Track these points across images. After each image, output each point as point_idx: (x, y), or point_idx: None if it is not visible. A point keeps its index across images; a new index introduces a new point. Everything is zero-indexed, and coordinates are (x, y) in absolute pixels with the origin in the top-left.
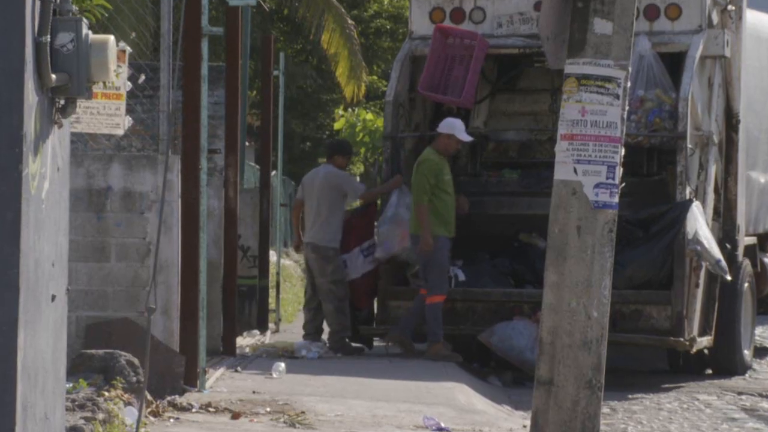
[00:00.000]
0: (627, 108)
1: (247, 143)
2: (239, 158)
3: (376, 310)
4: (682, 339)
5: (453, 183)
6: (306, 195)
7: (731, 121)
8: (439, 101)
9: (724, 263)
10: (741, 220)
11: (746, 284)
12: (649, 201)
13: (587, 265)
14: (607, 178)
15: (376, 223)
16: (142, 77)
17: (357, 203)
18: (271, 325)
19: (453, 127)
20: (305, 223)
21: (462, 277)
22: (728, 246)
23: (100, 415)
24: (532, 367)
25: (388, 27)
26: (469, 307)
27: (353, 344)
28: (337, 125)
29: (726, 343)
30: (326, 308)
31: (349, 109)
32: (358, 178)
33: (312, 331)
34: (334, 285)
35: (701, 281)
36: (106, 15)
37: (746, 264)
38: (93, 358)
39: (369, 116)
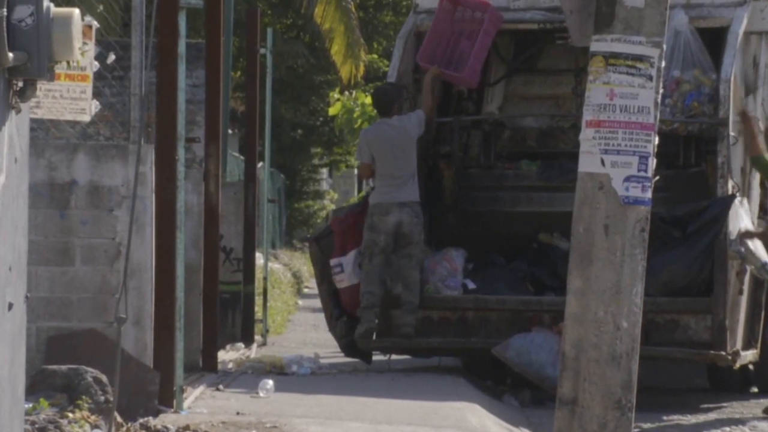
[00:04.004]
0: (661, 91)
1: (230, 131)
2: (221, 148)
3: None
4: (723, 353)
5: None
6: (383, 155)
7: None
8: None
9: None
10: None
11: None
12: (687, 196)
13: (616, 269)
14: (639, 171)
15: None
16: (111, 56)
17: (354, 199)
18: (257, 338)
19: None
20: (381, 182)
21: (472, 285)
22: None
23: None
24: (554, 384)
25: None
26: (482, 316)
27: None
28: (332, 110)
29: None
30: (412, 277)
31: (346, 92)
32: (354, 171)
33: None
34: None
35: (745, 287)
36: None
37: None
38: (55, 374)
39: (368, 100)
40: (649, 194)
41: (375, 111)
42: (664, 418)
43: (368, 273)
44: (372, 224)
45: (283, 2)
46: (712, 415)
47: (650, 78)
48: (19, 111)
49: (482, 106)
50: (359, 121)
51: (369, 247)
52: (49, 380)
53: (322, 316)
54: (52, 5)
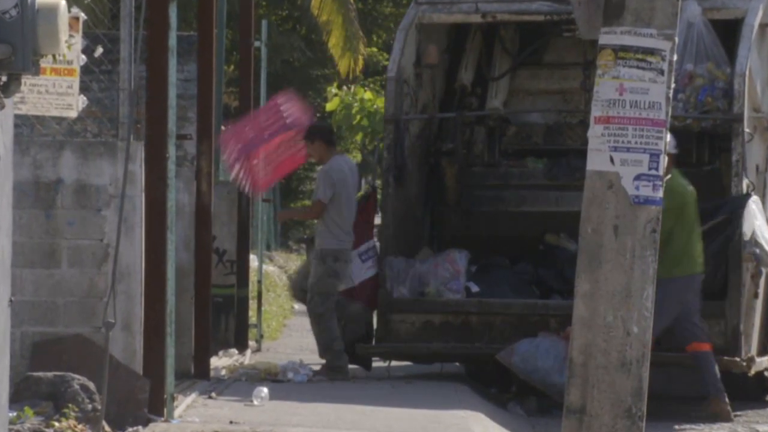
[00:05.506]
0: (673, 85)
1: (223, 127)
2: (214, 145)
3: (375, 325)
4: (738, 359)
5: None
6: (348, 197)
7: None
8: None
9: None
10: None
11: None
12: (700, 195)
13: (626, 272)
14: (650, 169)
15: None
16: (99, 49)
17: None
18: (251, 343)
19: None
20: (341, 229)
21: (475, 288)
22: None
23: None
24: (561, 392)
25: None
26: (486, 321)
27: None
28: (329, 106)
29: None
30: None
31: (344, 87)
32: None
33: None
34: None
35: (761, 291)
36: None
37: None
38: (41, 381)
39: (367, 95)
40: (660, 193)
41: (373, 106)
42: (676, 427)
43: (333, 316)
44: (336, 271)
45: None
46: (725, 424)
47: (662, 72)
48: (2, 107)
49: (486, 101)
50: (358, 117)
51: (332, 293)
52: (35, 388)
53: None
54: None
